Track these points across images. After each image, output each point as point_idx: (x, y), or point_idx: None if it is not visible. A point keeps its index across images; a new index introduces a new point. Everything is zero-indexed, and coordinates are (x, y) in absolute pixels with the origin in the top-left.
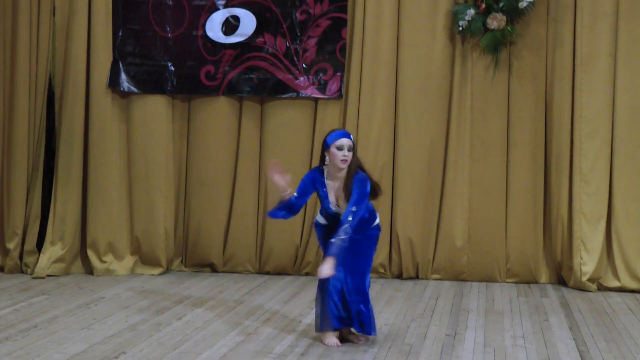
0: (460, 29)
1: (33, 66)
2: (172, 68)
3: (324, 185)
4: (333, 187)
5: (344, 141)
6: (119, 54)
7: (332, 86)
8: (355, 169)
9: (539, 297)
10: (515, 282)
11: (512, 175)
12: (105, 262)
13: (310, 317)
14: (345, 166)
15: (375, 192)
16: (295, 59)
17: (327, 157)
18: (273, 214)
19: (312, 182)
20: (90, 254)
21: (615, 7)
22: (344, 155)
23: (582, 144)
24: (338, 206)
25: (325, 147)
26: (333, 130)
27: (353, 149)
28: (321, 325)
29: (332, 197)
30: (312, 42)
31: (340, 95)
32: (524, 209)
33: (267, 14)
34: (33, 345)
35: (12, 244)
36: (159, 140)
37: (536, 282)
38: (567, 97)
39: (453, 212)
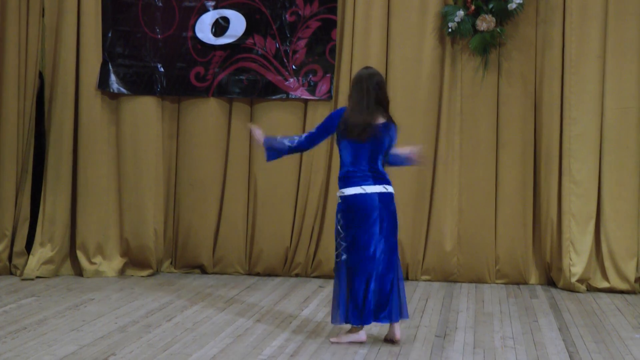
0: (450, 30)
1: (22, 68)
2: (162, 69)
3: None
4: None
5: None
6: (109, 56)
7: (322, 87)
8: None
9: (529, 298)
10: (505, 283)
11: (501, 177)
12: (94, 263)
13: (300, 319)
14: None
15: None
16: (285, 60)
17: None
18: (272, 156)
19: (338, 116)
20: (80, 256)
21: (604, 9)
22: None
23: (571, 145)
24: None
25: None
26: None
27: None
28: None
29: None
30: (302, 43)
31: (330, 96)
32: (514, 210)
33: (257, 16)
34: (22, 347)
35: (1, 246)
36: (149, 141)
37: (526, 283)
38: (556, 98)
39: (443, 213)
